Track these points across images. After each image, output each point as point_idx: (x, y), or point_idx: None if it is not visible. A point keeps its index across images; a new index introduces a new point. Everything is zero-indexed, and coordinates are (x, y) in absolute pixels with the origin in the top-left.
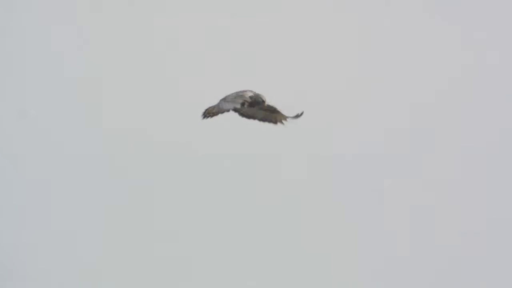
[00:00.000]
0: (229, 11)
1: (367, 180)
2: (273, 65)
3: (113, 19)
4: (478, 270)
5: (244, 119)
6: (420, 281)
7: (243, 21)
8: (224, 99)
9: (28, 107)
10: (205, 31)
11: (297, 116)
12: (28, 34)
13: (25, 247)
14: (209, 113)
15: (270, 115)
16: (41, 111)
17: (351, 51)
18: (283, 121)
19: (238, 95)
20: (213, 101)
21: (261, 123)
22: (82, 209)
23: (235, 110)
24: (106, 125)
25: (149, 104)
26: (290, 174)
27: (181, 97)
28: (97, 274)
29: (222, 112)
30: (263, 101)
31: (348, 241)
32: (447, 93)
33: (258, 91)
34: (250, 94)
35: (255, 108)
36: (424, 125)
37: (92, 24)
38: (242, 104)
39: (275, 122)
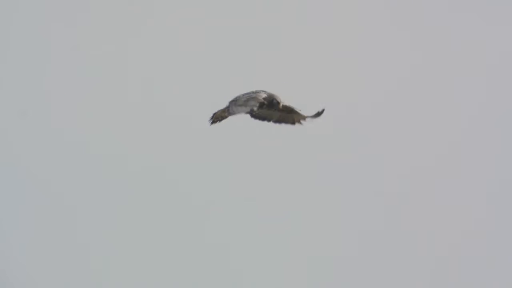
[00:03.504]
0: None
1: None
2: (275, 63)
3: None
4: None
5: (257, 121)
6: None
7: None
8: (234, 102)
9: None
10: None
11: (318, 114)
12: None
13: None
14: (217, 118)
15: (287, 115)
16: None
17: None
18: (302, 121)
19: (251, 97)
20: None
21: (277, 124)
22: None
23: (248, 112)
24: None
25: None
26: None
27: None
28: None
29: (234, 115)
30: (278, 103)
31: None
32: None
33: (270, 91)
34: (264, 95)
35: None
36: None
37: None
38: (257, 107)
39: (293, 123)
